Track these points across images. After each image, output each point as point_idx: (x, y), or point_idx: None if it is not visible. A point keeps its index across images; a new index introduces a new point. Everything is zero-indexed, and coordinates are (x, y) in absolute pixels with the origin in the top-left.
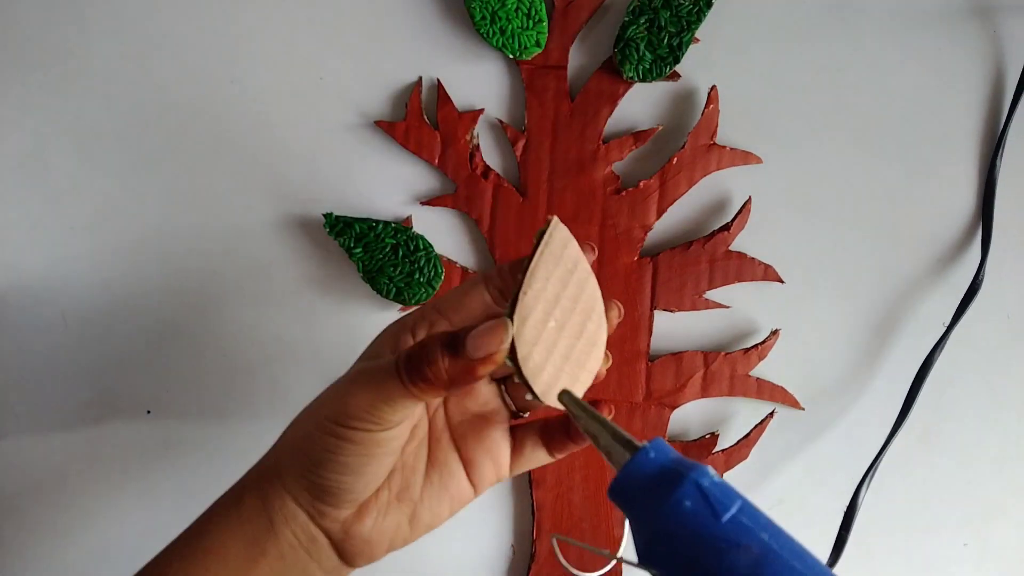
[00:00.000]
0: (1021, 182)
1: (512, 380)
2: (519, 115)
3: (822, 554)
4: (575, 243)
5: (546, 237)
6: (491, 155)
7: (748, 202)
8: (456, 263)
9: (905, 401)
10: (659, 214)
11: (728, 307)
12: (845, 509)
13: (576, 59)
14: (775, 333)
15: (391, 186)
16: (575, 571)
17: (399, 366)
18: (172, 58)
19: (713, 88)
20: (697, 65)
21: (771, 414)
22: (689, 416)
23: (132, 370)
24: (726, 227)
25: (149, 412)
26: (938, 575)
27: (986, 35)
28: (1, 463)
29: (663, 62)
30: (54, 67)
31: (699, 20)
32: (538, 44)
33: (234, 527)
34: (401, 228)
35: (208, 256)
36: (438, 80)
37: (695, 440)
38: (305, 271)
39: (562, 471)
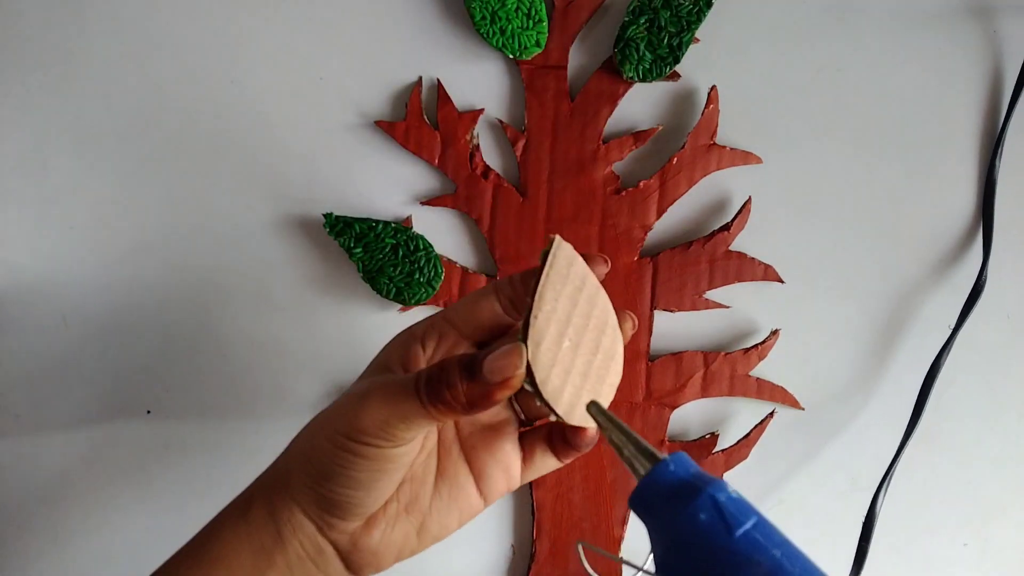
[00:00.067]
0: (1021, 181)
1: (522, 389)
2: (519, 115)
3: (824, 557)
4: (580, 259)
5: (550, 257)
6: (491, 155)
7: (748, 202)
8: (456, 263)
9: (916, 404)
10: (659, 214)
11: (728, 307)
12: (863, 520)
13: (576, 59)
14: (775, 333)
15: (391, 186)
16: (594, 573)
17: (419, 386)
18: (172, 58)
19: (713, 88)
20: (697, 65)
21: (771, 414)
22: (689, 416)
23: (132, 370)
24: (726, 227)
25: (149, 412)
26: (938, 575)
27: (986, 35)
28: (1, 463)
29: (663, 62)
30: (54, 67)
31: (699, 20)
32: (538, 44)
33: (242, 537)
34: (401, 228)
35: (208, 256)
36: (438, 80)
37: (695, 440)
38: (305, 271)
39: (562, 471)
